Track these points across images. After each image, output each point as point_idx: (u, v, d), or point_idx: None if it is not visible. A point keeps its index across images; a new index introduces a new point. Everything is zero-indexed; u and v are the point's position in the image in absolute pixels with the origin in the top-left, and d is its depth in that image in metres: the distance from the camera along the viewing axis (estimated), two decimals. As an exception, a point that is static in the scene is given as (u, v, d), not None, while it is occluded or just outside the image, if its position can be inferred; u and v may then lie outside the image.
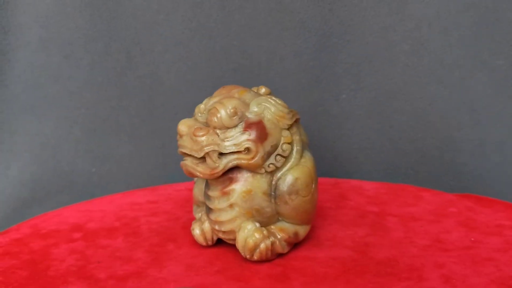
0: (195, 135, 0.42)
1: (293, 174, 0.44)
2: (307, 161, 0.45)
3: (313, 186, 0.45)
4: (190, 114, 0.76)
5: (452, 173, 0.69)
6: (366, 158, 0.72)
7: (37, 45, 0.70)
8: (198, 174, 0.42)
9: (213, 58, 0.73)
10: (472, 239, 0.48)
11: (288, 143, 0.43)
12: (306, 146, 0.47)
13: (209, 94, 0.75)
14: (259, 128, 0.42)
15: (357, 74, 0.71)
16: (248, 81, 0.75)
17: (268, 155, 0.43)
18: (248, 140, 0.42)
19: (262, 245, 0.43)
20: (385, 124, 0.71)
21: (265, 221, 0.45)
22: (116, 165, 0.72)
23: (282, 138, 0.43)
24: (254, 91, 0.46)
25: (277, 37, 0.71)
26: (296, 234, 0.46)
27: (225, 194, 0.43)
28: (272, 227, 0.45)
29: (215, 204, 0.43)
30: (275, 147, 0.43)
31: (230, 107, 0.42)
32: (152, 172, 0.72)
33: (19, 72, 0.70)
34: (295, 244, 0.47)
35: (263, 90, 0.46)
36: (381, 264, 0.44)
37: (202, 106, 0.46)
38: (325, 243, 0.48)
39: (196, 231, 0.46)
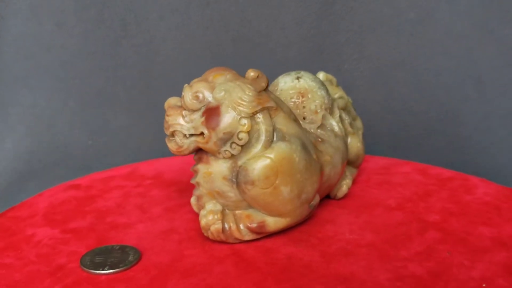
0: (166, 114, 0.44)
1: (250, 164, 0.41)
2: (275, 153, 0.42)
3: (277, 179, 0.42)
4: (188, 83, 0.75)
5: (455, 146, 0.68)
6: (367, 131, 0.70)
7: (28, 13, 0.67)
8: (169, 149, 0.44)
9: (211, 26, 0.70)
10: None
11: (245, 132, 0.41)
12: (290, 137, 0.43)
13: (208, 64, 0.73)
14: (214, 114, 0.41)
15: (360, 43, 0.68)
16: (247, 51, 0.73)
17: (223, 141, 0.41)
18: (202, 124, 0.41)
19: (212, 227, 0.43)
20: (388, 96, 0.69)
21: (231, 205, 0.44)
22: (114, 137, 0.70)
23: (240, 126, 0.41)
24: (238, 76, 0.44)
25: (277, 4, 0.68)
26: (262, 224, 0.44)
27: (194, 171, 0.45)
28: (238, 212, 0.44)
29: (192, 179, 0.46)
30: (229, 134, 0.41)
31: (193, 91, 0.42)
32: (151, 145, 0.71)
33: (10, 42, 0.67)
34: (272, 233, 0.45)
35: (251, 74, 0.44)
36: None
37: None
38: (301, 239, 0.45)
39: (192, 199, 0.48)
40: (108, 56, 0.68)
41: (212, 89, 0.43)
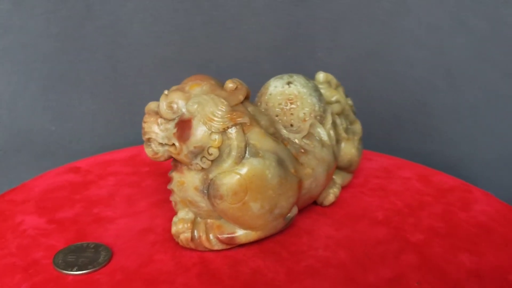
0: (143, 120, 0.43)
1: (220, 179, 0.41)
2: (246, 169, 0.41)
3: (246, 195, 0.42)
4: (156, 69, 0.72)
5: (423, 136, 0.69)
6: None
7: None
8: (146, 154, 0.44)
9: (181, 8, 0.67)
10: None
11: (215, 148, 0.41)
12: (264, 153, 0.42)
13: (177, 48, 0.71)
14: (185, 127, 0.41)
15: (334, 31, 0.67)
16: (219, 35, 0.71)
17: (194, 154, 0.41)
18: (174, 135, 0.41)
19: (182, 236, 0.44)
20: (360, 85, 0.69)
21: (203, 214, 0.44)
22: (78, 123, 0.67)
23: (210, 141, 0.41)
24: (218, 85, 0.43)
25: (250, -13, 0.66)
26: (232, 236, 0.44)
27: (170, 177, 0.45)
28: (209, 221, 0.44)
29: (168, 185, 0.46)
30: (200, 148, 0.41)
31: (168, 100, 0.42)
32: (119, 131, 0.69)
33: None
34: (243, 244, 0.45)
35: (229, 85, 0.43)
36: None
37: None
38: (273, 251, 0.45)
39: (171, 198, 0.47)
40: (71, 38, 0.64)
41: (187, 100, 0.42)
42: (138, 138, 0.71)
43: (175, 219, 0.45)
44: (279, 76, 0.50)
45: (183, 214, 0.45)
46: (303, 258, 0.43)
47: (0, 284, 0.40)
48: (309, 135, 0.47)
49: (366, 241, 0.45)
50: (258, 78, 0.70)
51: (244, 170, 0.41)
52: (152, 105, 0.44)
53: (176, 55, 0.68)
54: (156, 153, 0.42)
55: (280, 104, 0.48)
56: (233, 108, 0.41)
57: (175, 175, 0.43)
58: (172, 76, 0.69)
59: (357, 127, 0.54)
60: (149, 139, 0.42)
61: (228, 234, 0.44)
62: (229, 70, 0.69)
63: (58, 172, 0.59)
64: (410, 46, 0.66)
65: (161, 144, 0.42)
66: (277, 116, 0.47)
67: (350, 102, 0.55)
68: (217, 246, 0.44)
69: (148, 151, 0.43)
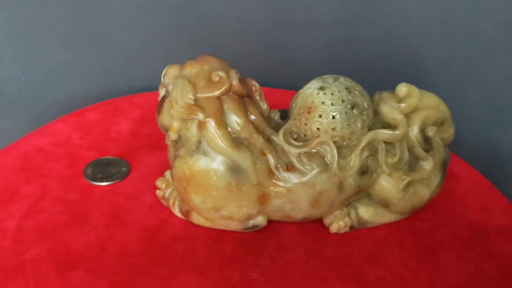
0: None
1: (175, 160, 0.42)
2: (191, 162, 0.41)
3: (188, 186, 0.42)
4: (134, 14, 0.66)
5: (414, 90, 0.67)
6: (328, 70, 0.67)
7: None
8: None
9: None
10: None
11: (173, 132, 0.41)
12: (215, 156, 0.41)
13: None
14: (161, 103, 0.43)
15: (328, -25, 0.62)
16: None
17: (163, 129, 0.43)
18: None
19: (157, 191, 0.49)
20: (352, 35, 0.65)
21: None
22: (51, 73, 0.62)
23: (171, 125, 0.42)
24: (203, 73, 0.42)
25: None
26: (188, 213, 0.46)
27: None
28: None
29: None
30: (164, 127, 0.43)
31: (163, 72, 0.44)
32: (95, 81, 0.64)
33: None
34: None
35: (213, 77, 0.41)
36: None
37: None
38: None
39: None
40: (37, -20, 0.58)
41: (174, 78, 0.43)
42: (114, 87, 0.67)
43: (162, 177, 0.49)
44: (323, 76, 0.43)
45: (167, 174, 0.49)
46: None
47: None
48: (312, 154, 0.42)
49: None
50: (244, 25, 0.65)
51: (190, 163, 0.42)
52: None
53: (154, -1, 0.62)
54: None
55: (300, 108, 0.42)
56: (199, 100, 0.40)
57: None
58: (151, 22, 0.64)
59: (428, 165, 0.44)
60: None
61: (186, 209, 0.46)
62: (212, 16, 0.64)
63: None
64: (409, -5, 0.61)
65: None
66: (294, 119, 0.43)
67: (431, 133, 0.45)
68: (178, 214, 0.47)
69: None
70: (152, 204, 0.48)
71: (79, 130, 0.58)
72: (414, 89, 0.45)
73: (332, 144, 0.41)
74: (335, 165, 0.41)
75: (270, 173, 0.42)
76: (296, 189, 0.42)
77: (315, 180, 0.42)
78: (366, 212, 0.46)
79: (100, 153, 0.54)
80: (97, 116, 0.60)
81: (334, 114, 0.41)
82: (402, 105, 0.44)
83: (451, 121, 0.48)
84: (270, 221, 0.45)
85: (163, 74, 0.43)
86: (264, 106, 0.44)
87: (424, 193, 0.45)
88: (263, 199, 0.42)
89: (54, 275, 0.41)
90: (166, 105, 0.41)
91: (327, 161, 0.42)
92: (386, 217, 0.47)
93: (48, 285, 0.40)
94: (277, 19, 0.64)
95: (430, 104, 0.45)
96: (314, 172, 0.42)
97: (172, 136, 0.41)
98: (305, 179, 0.42)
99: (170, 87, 0.41)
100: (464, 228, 0.48)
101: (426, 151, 0.45)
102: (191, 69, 0.42)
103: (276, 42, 0.66)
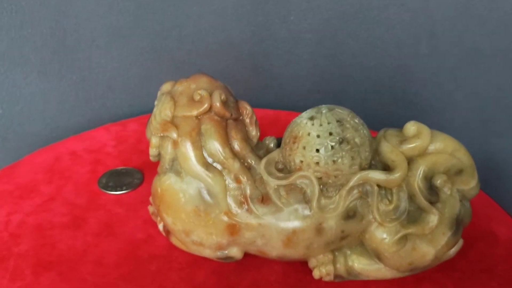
0: None
1: (156, 175, 0.42)
2: (163, 180, 0.40)
3: (160, 204, 0.41)
4: (111, 40, 0.64)
5: (402, 103, 0.65)
6: (314, 86, 0.66)
7: None
8: None
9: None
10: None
11: (152, 148, 0.41)
12: (186, 176, 0.39)
13: (132, 16, 0.62)
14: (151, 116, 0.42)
15: (309, -9, 0.60)
16: (179, 0, 0.63)
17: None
18: None
19: (151, 208, 0.47)
20: (337, 50, 0.63)
21: None
22: (28, 104, 0.60)
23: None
24: (188, 91, 0.41)
25: None
26: (168, 231, 0.44)
27: None
28: None
29: None
30: (149, 139, 0.42)
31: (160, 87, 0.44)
32: (73, 111, 0.62)
33: None
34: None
35: (195, 96, 0.40)
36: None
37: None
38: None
39: None
40: (10, 12, 0.55)
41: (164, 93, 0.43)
42: (94, 116, 0.65)
43: None
44: (322, 105, 0.39)
45: None
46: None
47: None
48: (292, 188, 0.38)
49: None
50: (224, 47, 0.64)
51: (162, 181, 0.41)
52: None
53: (131, 23, 0.60)
54: None
55: (287, 137, 0.38)
56: (177, 118, 0.39)
57: None
58: (129, 47, 0.62)
59: (424, 224, 0.38)
60: None
61: (166, 225, 0.44)
62: (191, 39, 0.62)
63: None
64: (391, 6, 0.60)
65: None
66: (282, 149, 0.39)
67: (439, 181, 0.38)
68: (162, 232, 0.45)
69: None
70: (147, 219, 0.48)
71: (115, 139, 0.60)
72: (425, 129, 0.38)
73: (314, 179, 0.37)
74: (314, 203, 0.37)
75: (242, 203, 0.39)
76: (267, 224, 0.38)
77: (289, 217, 0.38)
78: (357, 262, 0.41)
79: (124, 163, 0.56)
80: (137, 127, 0.62)
81: (318, 147, 0.36)
82: (407, 146, 0.38)
83: (472, 171, 0.40)
84: (255, 256, 0.42)
85: (159, 89, 0.43)
86: (253, 132, 0.41)
87: (426, 250, 0.39)
88: (233, 229, 0.39)
89: (29, 272, 0.43)
90: (149, 120, 0.42)
91: (307, 198, 0.38)
92: (382, 271, 0.41)
93: (20, 281, 0.42)
94: (258, 38, 0.62)
95: (444, 149, 0.38)
96: (290, 208, 0.38)
97: (151, 151, 0.41)
98: (278, 214, 0.38)
99: (155, 102, 0.41)
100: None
101: (432, 202, 0.38)
102: (180, 86, 0.41)
103: (258, 61, 0.64)
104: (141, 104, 0.66)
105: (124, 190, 0.52)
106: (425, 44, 0.62)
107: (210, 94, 0.39)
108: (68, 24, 0.58)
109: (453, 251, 0.41)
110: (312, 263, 0.41)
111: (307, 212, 0.38)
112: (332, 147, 0.36)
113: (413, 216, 0.38)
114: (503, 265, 0.44)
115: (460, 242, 0.41)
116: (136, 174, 0.54)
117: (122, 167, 0.55)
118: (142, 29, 0.61)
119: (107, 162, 0.56)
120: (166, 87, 0.42)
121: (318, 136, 0.37)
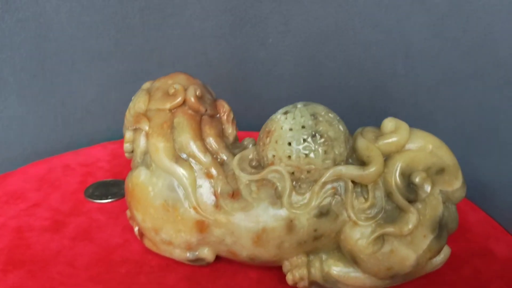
0: None
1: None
2: (134, 175, 0.39)
3: (131, 200, 0.40)
4: (90, 64, 0.64)
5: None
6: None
7: None
8: None
9: (114, -7, 0.60)
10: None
11: (126, 142, 0.42)
12: (156, 169, 0.38)
13: (112, 40, 0.63)
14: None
15: (286, 14, 0.62)
16: (158, 23, 0.64)
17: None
18: None
19: (128, 212, 0.46)
20: (315, 71, 0.64)
21: None
22: (5, 129, 0.60)
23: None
24: (164, 86, 0.41)
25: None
26: (141, 232, 0.43)
27: None
28: None
29: None
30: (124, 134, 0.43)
31: None
32: (52, 135, 0.62)
33: None
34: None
35: (169, 90, 0.40)
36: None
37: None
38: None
39: None
40: (-12, 35, 0.56)
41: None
42: (72, 141, 0.65)
43: None
44: (296, 103, 0.39)
45: None
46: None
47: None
48: (264, 184, 0.37)
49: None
50: (204, 69, 0.64)
51: (133, 175, 0.40)
52: None
53: (111, 47, 0.61)
54: None
55: (262, 132, 0.38)
56: (150, 111, 0.39)
57: None
58: (109, 70, 0.63)
59: (402, 224, 0.35)
60: None
61: (137, 224, 0.43)
62: (172, 62, 0.63)
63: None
64: (368, 28, 0.61)
65: None
66: (256, 145, 0.39)
67: (418, 179, 0.36)
68: (137, 236, 0.44)
69: None
70: (126, 225, 0.47)
71: (110, 155, 0.61)
72: (403, 125, 0.38)
73: (285, 173, 0.36)
74: (285, 198, 0.36)
75: (212, 198, 0.37)
76: (236, 221, 0.37)
77: (259, 213, 0.37)
78: (334, 267, 0.38)
79: (115, 176, 0.57)
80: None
81: (290, 140, 0.36)
82: (383, 141, 0.37)
83: (456, 171, 0.38)
84: (231, 261, 0.41)
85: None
86: (230, 129, 0.41)
87: (405, 254, 0.36)
88: (201, 226, 0.38)
89: (-1, 270, 0.43)
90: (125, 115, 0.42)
91: (279, 194, 0.37)
92: (361, 279, 0.38)
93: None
94: (237, 60, 0.63)
95: (424, 146, 0.37)
96: (260, 204, 0.37)
97: (125, 146, 0.41)
98: (248, 210, 0.37)
99: (133, 97, 0.42)
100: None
101: (410, 201, 0.36)
102: (157, 82, 0.41)
103: (238, 83, 0.65)
104: (121, 128, 0.65)
105: (110, 199, 0.52)
106: (402, 65, 0.63)
107: (186, 89, 0.39)
108: (48, 48, 0.59)
109: (439, 260, 0.39)
110: (285, 266, 0.39)
111: (277, 208, 0.36)
112: (304, 140, 0.36)
113: (391, 215, 0.36)
114: (499, 282, 0.42)
115: (447, 251, 0.39)
116: (123, 185, 0.53)
117: (111, 179, 0.56)
118: (122, 53, 0.62)
119: (97, 175, 0.57)
120: (146, 85, 0.43)
121: (290, 130, 0.36)
